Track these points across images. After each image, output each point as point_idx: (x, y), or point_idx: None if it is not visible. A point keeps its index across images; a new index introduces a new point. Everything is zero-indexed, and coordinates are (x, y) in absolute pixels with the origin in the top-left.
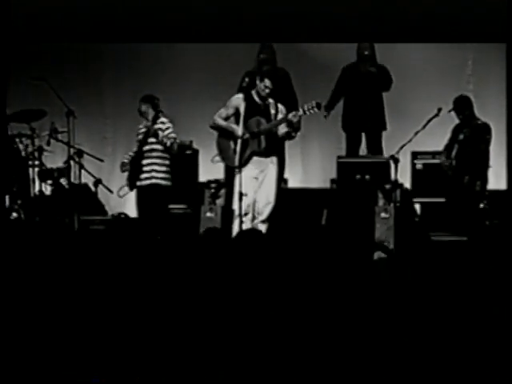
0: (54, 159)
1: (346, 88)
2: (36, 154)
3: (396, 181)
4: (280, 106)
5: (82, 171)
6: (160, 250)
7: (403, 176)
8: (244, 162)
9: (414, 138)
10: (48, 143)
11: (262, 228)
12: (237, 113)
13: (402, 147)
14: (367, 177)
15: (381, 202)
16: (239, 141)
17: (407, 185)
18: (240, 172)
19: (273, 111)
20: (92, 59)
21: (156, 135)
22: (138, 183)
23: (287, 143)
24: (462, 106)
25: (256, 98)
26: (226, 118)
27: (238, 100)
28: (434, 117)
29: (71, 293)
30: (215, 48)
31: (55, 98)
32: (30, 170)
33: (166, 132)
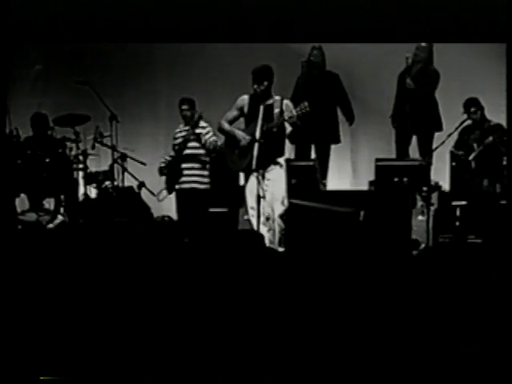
0: (98, 163)
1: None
2: (81, 158)
3: (436, 183)
4: (286, 102)
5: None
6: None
7: (443, 178)
8: (248, 166)
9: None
10: (93, 147)
11: (276, 226)
12: (242, 114)
13: (435, 149)
14: (405, 179)
15: (419, 205)
16: (256, 144)
17: (446, 186)
18: (252, 175)
19: (277, 110)
20: (143, 60)
21: (199, 140)
22: (178, 186)
23: (337, 146)
24: (474, 107)
25: (260, 98)
26: (232, 121)
27: (243, 101)
28: (465, 120)
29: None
30: (256, 48)
31: (100, 101)
32: (75, 173)
33: (207, 136)
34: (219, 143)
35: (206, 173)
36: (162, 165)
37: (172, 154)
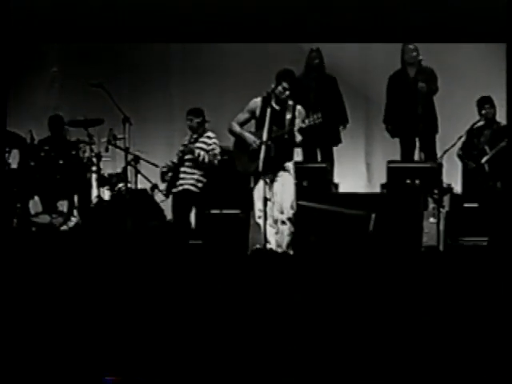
0: (112, 165)
1: (396, 94)
2: (94, 160)
3: (448, 185)
4: (299, 108)
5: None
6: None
7: (455, 180)
8: (257, 169)
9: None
10: (106, 150)
11: (286, 229)
12: (254, 117)
13: (445, 152)
14: (417, 182)
15: (431, 207)
16: (263, 147)
17: (458, 188)
18: (261, 178)
19: (289, 116)
20: (157, 62)
21: (192, 152)
22: (174, 190)
23: (351, 148)
24: (488, 104)
25: (273, 102)
26: (244, 123)
27: (255, 104)
28: (478, 121)
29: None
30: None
31: (113, 103)
32: (88, 175)
33: (209, 148)
34: (219, 157)
35: (198, 176)
36: (164, 169)
37: (174, 160)
